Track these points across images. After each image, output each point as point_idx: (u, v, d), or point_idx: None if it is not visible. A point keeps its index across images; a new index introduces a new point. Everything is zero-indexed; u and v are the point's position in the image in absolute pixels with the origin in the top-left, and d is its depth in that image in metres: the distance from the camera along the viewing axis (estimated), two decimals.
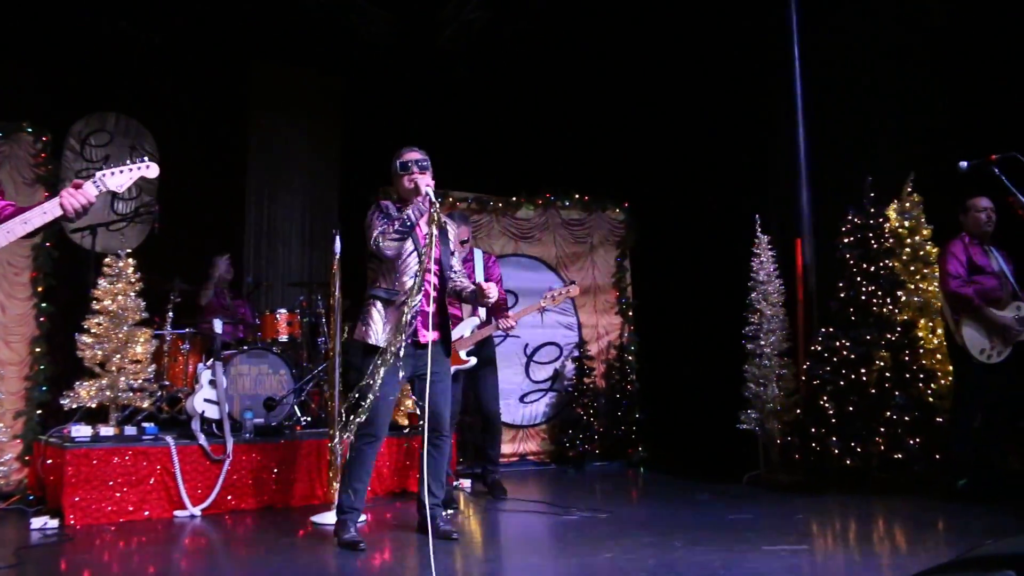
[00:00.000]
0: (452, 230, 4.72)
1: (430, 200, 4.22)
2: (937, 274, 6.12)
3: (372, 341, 4.32)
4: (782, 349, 6.47)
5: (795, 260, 6.82)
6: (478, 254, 5.96)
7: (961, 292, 5.38)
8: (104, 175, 3.34)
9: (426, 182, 4.29)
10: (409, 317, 4.21)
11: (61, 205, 3.20)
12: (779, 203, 6.99)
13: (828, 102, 6.81)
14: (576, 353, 8.09)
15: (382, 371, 4.13)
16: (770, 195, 7.09)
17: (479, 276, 5.76)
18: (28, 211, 3.23)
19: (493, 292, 4.46)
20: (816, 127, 6.88)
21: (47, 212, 3.22)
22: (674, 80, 7.99)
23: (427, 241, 4.28)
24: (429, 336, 4.17)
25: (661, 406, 7.93)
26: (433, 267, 4.38)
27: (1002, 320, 5.28)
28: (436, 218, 4.21)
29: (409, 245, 4.37)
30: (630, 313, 8.34)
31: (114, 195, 7.78)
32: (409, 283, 4.27)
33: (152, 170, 3.45)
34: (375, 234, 4.32)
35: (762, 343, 6.46)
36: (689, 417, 7.55)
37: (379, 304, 4.38)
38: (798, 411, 6.25)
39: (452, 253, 4.65)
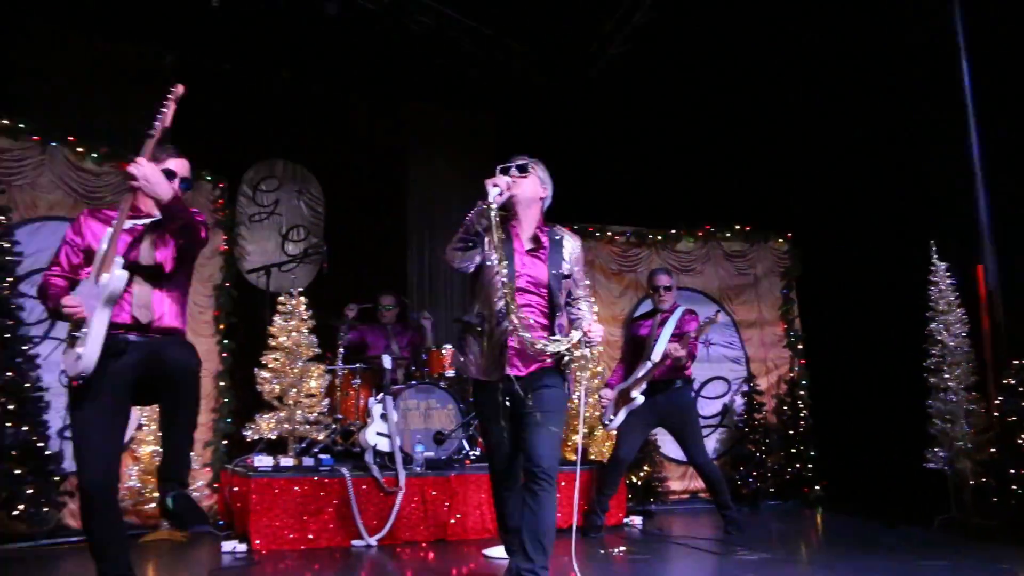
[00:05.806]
0: (569, 243, 3.81)
1: (491, 199, 3.58)
2: None
3: (474, 374, 3.75)
4: (969, 383, 6.06)
5: (977, 287, 6.39)
6: (679, 312, 5.75)
7: None
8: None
9: (492, 181, 3.68)
10: (500, 347, 3.62)
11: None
12: (955, 227, 6.57)
13: (1003, 110, 6.31)
14: (745, 388, 7.89)
15: (485, 408, 3.73)
16: (944, 218, 6.67)
17: (668, 330, 5.60)
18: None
19: (596, 334, 3.59)
20: (991, 142, 6.39)
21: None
22: (835, 104, 7.69)
23: (500, 255, 3.59)
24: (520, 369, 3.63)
25: (838, 443, 7.56)
26: (524, 283, 3.66)
27: None
28: (491, 217, 3.56)
29: (494, 259, 3.65)
30: (799, 346, 8.09)
31: (284, 237, 8.20)
32: (500, 304, 3.59)
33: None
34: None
35: (946, 376, 6.07)
36: (869, 455, 7.14)
37: (468, 335, 3.78)
38: (992, 450, 5.79)
39: (565, 274, 3.75)
